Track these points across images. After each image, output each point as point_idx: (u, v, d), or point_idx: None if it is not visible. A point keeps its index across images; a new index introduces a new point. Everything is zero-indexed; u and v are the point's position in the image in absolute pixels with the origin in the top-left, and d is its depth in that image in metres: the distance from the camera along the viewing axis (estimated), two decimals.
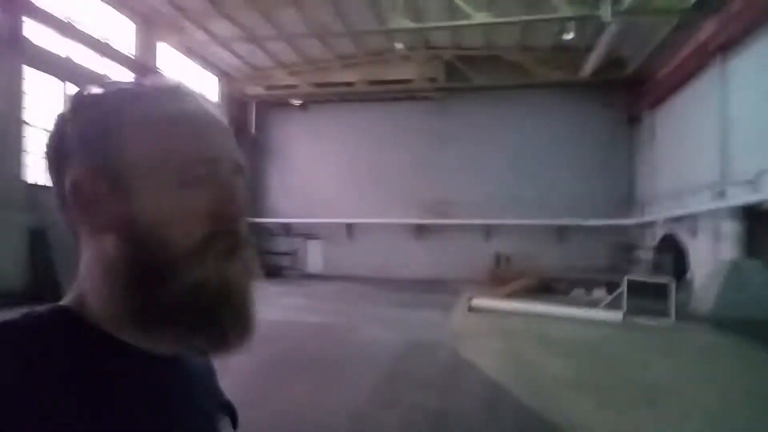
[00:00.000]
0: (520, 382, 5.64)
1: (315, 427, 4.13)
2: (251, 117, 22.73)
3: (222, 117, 0.59)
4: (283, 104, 23.16)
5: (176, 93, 0.56)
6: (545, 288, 16.25)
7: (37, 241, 12.07)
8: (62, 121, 0.56)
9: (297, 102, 22.98)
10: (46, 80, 13.07)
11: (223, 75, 21.73)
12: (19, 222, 11.83)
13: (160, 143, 0.52)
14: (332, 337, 8.28)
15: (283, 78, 21.84)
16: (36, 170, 12.55)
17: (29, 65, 12.45)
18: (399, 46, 18.07)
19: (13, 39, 11.90)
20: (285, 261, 22.88)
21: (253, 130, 22.83)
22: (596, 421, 4.50)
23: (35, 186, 12.28)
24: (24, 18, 12.25)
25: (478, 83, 20.60)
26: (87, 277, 0.54)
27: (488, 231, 21.03)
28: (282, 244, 23.19)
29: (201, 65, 20.30)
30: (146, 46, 16.75)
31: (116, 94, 0.55)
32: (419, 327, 9.18)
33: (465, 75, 20.61)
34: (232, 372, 5.44)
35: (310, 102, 23.11)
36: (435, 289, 16.83)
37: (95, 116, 0.54)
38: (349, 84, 21.56)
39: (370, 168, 22.54)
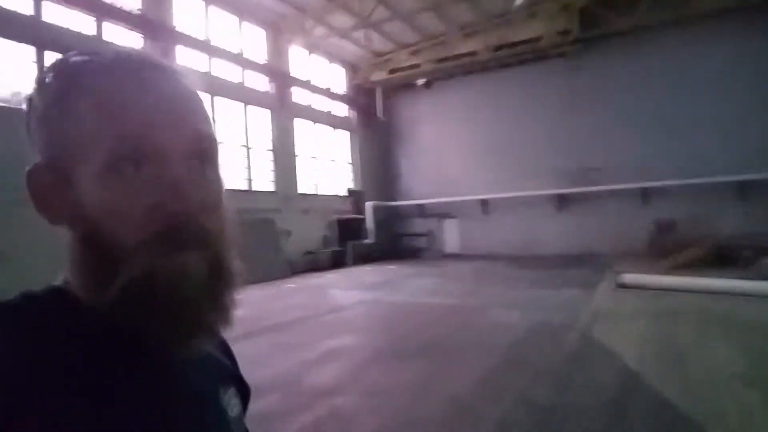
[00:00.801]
0: (667, 374, 4.70)
1: (407, 418, 3.91)
2: (378, 103, 23.12)
3: (195, 93, 0.53)
4: (408, 86, 23.13)
5: (134, 67, 0.51)
6: (721, 258, 13.61)
7: None
8: (29, 103, 0.53)
9: (421, 81, 22.72)
10: None
11: (349, 66, 22.44)
12: None
13: (91, 124, 0.48)
14: (454, 320, 7.97)
15: (405, 59, 21.74)
16: None
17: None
18: (518, 1, 16.54)
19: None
20: (421, 242, 23.04)
21: (381, 116, 23.21)
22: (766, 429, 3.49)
23: None
24: (174, 45, 14.07)
25: (622, 26, 17.91)
26: (68, 259, 0.53)
27: (645, 195, 18.38)
28: (417, 225, 23.37)
29: (328, 60, 21.19)
30: (277, 51, 18.00)
31: (70, 70, 0.51)
32: (553, 308, 8.34)
33: (605, 19, 18.09)
34: (344, 357, 5.54)
35: (434, 79, 22.67)
36: (582, 264, 15.33)
37: (48, 99, 0.51)
38: (472, 54, 20.54)
39: (502, 139, 21.37)
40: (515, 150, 21.04)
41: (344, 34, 18.17)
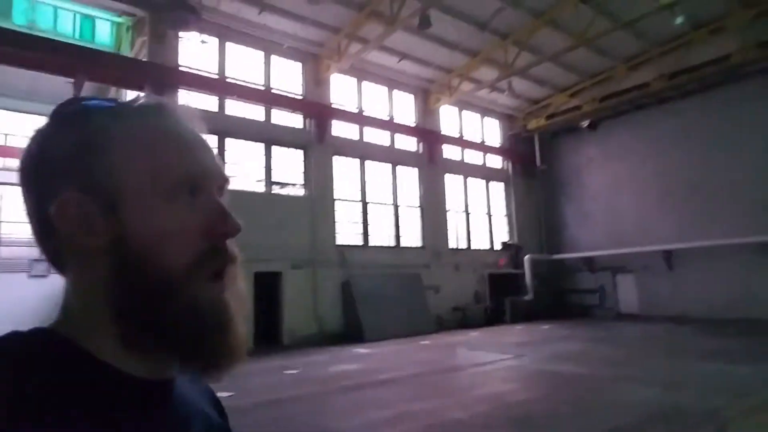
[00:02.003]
0: None
1: None
2: (536, 151, 22.07)
3: (204, 134, 0.58)
4: (570, 130, 21.66)
5: (159, 110, 0.56)
6: None
7: (346, 291, 14.90)
8: (43, 138, 0.54)
9: (584, 123, 21.02)
10: (347, 161, 16.46)
11: (504, 117, 22.16)
12: (334, 276, 14.95)
13: (149, 160, 0.52)
14: (566, 393, 6.82)
15: (563, 102, 20.58)
16: (342, 234, 15.75)
17: (336, 153, 16.04)
18: (679, 20, 14.35)
19: (324, 138, 15.65)
20: (591, 300, 20.43)
21: (539, 163, 22.04)
22: None
23: (342, 246, 15.36)
24: (332, 121, 16.02)
25: None
26: (74, 301, 0.53)
27: None
28: (585, 281, 20.89)
29: (481, 114, 21.33)
30: (425, 113, 18.92)
31: (101, 111, 0.54)
32: (709, 389, 6.50)
33: None
34: (409, 421, 5.24)
35: (599, 119, 20.75)
36: None
37: (81, 134, 0.52)
38: (642, 86, 18.32)
39: (687, 179, 18.13)
40: (708, 189, 17.55)
41: (491, 85, 18.12)
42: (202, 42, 13.34)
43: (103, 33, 14.21)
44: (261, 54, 14.84)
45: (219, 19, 13.50)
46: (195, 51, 13.65)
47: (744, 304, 16.12)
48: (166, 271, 0.50)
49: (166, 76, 12.70)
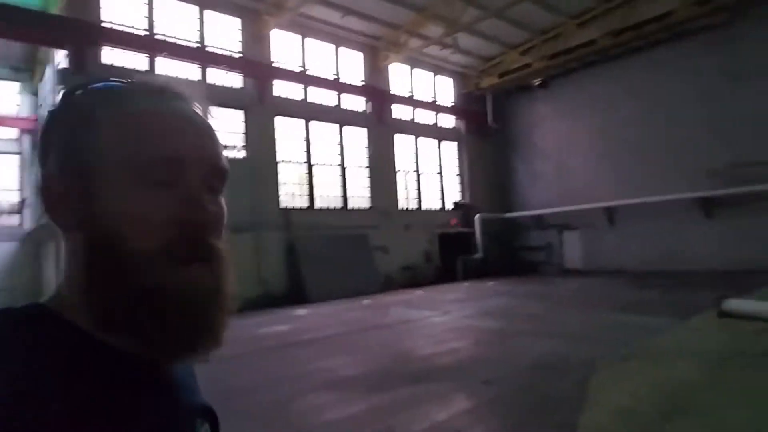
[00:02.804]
0: None
1: None
2: (489, 109, 22.07)
3: (207, 120, 0.58)
4: (522, 88, 21.66)
5: (156, 92, 0.56)
6: None
7: (290, 254, 14.95)
8: (48, 118, 0.57)
9: (536, 82, 21.03)
10: (291, 122, 16.13)
11: (457, 75, 21.93)
12: (279, 239, 14.94)
13: (125, 143, 0.52)
14: (468, 346, 7.13)
15: (515, 60, 20.44)
16: (286, 196, 15.64)
17: (278, 114, 15.68)
18: None
19: (265, 98, 15.23)
20: (540, 256, 21.11)
21: (492, 123, 22.10)
22: None
23: (286, 209, 15.30)
24: (273, 81, 15.55)
25: None
26: (67, 274, 0.54)
27: None
28: (535, 238, 21.49)
29: (433, 72, 21.04)
30: (375, 71, 18.54)
31: (95, 93, 0.56)
32: (606, 341, 6.87)
33: None
34: (317, 377, 5.35)
35: (550, 77, 20.78)
36: (725, 284, 12.30)
37: (70, 115, 0.55)
38: (590, 44, 18.33)
39: (633, 137, 18.53)
40: (649, 148, 18.01)
41: (439, 42, 17.79)
42: None
43: None
44: (195, 9, 14.14)
45: None
46: (122, 5, 12.88)
47: (675, 257, 16.94)
48: (129, 254, 0.50)
49: (87, 34, 12.00)
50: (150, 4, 13.33)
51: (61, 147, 0.54)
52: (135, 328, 0.50)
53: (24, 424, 0.42)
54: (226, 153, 0.59)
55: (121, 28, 12.82)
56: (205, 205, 0.53)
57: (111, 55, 12.61)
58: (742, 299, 7.83)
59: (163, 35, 13.51)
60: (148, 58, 13.18)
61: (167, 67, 13.51)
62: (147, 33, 13.25)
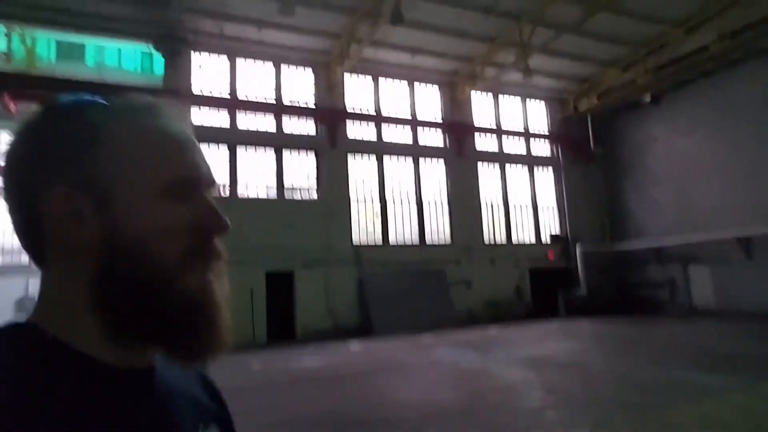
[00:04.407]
0: None
1: None
2: (588, 133, 20.12)
3: (191, 134, 0.59)
4: (629, 107, 19.40)
5: (151, 110, 0.57)
6: None
7: (360, 289, 15.18)
8: (34, 132, 0.54)
9: (646, 98, 18.66)
10: (364, 162, 16.68)
11: (551, 101, 20.57)
12: (349, 275, 15.31)
13: (143, 159, 0.53)
14: (454, 398, 6.40)
15: (615, 77, 18.50)
16: (360, 233, 16.03)
17: (351, 153, 16.39)
18: None
19: (335, 140, 16.10)
20: (662, 294, 18.07)
21: (593, 147, 20.06)
22: None
23: (358, 246, 15.67)
24: (345, 123, 16.43)
25: None
26: (55, 293, 0.53)
27: None
28: (654, 272, 18.51)
29: (522, 99, 20.10)
30: (454, 104, 18.36)
31: (94, 107, 0.55)
32: (631, 406, 5.65)
33: None
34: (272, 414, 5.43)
35: (661, 92, 18.29)
36: None
37: (73, 129, 0.53)
38: (702, 50, 15.81)
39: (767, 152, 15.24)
40: None
41: (514, 68, 16.93)
42: (199, 66, 14.60)
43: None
44: (270, 66, 15.75)
45: (225, 41, 14.67)
46: (206, 71, 14.99)
47: None
48: (156, 266, 0.51)
49: (182, 100, 14.13)
50: (232, 66, 15.24)
51: (68, 163, 0.52)
52: (159, 336, 0.52)
53: None
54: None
55: (208, 94, 14.87)
56: (220, 214, 0.56)
57: (199, 115, 14.61)
58: None
59: (245, 94, 15.29)
60: (228, 115, 15.00)
61: (247, 121, 15.19)
62: (229, 94, 15.12)
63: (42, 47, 15.09)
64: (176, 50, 13.23)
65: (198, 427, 0.59)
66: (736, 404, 5.27)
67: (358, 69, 16.46)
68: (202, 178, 0.56)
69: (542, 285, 18.18)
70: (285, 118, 15.74)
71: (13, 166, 0.53)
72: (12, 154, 0.53)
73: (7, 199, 0.53)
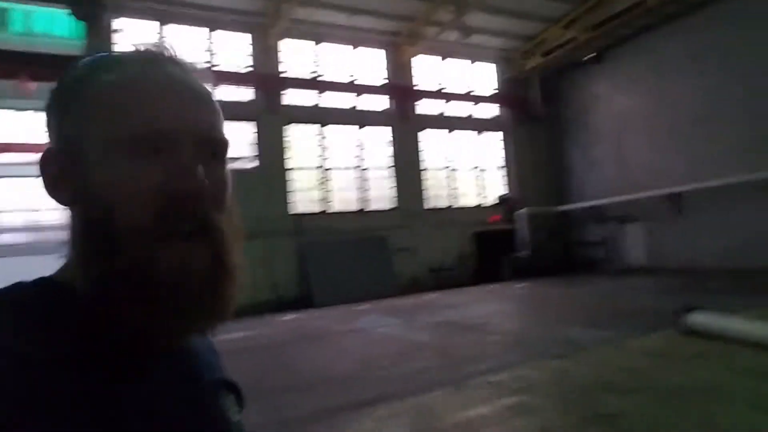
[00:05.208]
0: None
1: None
2: (537, 93, 20.08)
3: (206, 87, 0.56)
4: (573, 66, 19.38)
5: (148, 60, 0.54)
6: None
7: (301, 259, 15.14)
8: (48, 99, 0.56)
9: (587, 56, 18.66)
10: (302, 128, 16.33)
11: (501, 61, 20.34)
12: (290, 245, 15.23)
13: (109, 113, 0.51)
14: (379, 362, 6.52)
15: (557, 35, 18.35)
16: (300, 203, 15.86)
17: (289, 122, 16.00)
18: None
19: (275, 107, 15.67)
20: (599, 253, 18.65)
21: (540, 107, 20.07)
22: None
23: (296, 215, 15.53)
24: (281, 89, 15.94)
25: None
26: (69, 247, 0.54)
27: None
28: (593, 232, 19.04)
29: (471, 61, 19.80)
30: (398, 68, 17.97)
31: (83, 65, 0.55)
32: (505, 360, 5.83)
33: None
34: None
35: (602, 50, 18.28)
36: None
37: (60, 89, 0.55)
38: (638, 5, 15.72)
39: (697, 110, 15.57)
40: (725, 120, 14.90)
41: (452, 26, 16.50)
42: (122, 31, 13.82)
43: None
44: (204, 31, 15.04)
45: (154, 5, 13.84)
46: (132, 37, 14.20)
47: (761, 250, 13.75)
48: (119, 226, 0.49)
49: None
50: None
51: (54, 126, 0.55)
52: (125, 302, 0.49)
53: (21, 394, 0.41)
54: (225, 124, 0.57)
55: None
56: (195, 174, 0.51)
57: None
58: (711, 312, 6.04)
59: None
60: None
61: None
62: None
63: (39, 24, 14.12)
64: (94, 15, 12.41)
65: (220, 393, 0.60)
66: (587, 360, 5.50)
67: (296, 33, 15.85)
68: (181, 132, 0.51)
69: (489, 248, 18.46)
70: (221, 86, 15.13)
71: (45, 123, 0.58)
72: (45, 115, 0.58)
73: None
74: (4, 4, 13.91)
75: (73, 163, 0.52)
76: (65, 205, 0.54)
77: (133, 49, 0.55)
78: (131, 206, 0.49)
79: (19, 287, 0.50)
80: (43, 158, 0.54)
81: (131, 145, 0.50)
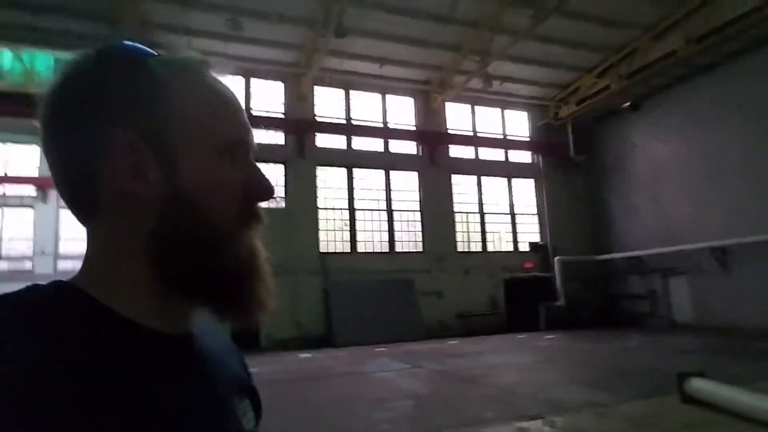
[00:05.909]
0: None
1: None
2: (569, 141, 19.82)
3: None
4: (610, 114, 19.09)
5: (204, 68, 0.57)
6: None
7: (326, 298, 15.36)
8: (92, 77, 0.52)
9: (625, 104, 18.33)
10: (332, 171, 16.91)
11: (533, 108, 20.39)
12: (316, 284, 15.50)
13: (208, 117, 0.54)
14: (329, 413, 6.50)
15: (591, 83, 18.24)
16: (327, 242, 16.24)
17: (319, 164, 16.65)
18: None
19: (304, 151, 16.40)
20: (643, 306, 17.59)
21: (574, 154, 19.74)
22: None
23: (322, 255, 15.87)
24: (314, 132, 16.71)
25: None
26: (103, 251, 0.52)
27: None
28: (636, 284, 18.06)
29: (501, 108, 19.98)
30: (429, 114, 18.41)
31: (156, 60, 0.54)
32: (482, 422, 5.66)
33: None
34: None
35: (640, 98, 17.92)
36: None
37: (139, 79, 0.52)
38: (670, 55, 15.43)
39: (742, 160, 14.80)
40: (764, 170, 14.08)
41: (479, 75, 16.74)
42: None
43: None
44: (240, 79, 16.17)
45: None
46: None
47: None
48: (217, 222, 0.52)
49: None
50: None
51: (131, 113, 0.51)
52: (214, 293, 0.53)
53: (42, 396, 0.40)
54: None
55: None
56: (269, 179, 0.57)
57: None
58: (711, 380, 5.60)
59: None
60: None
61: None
62: None
63: (40, 65, 15.91)
64: None
65: (234, 400, 0.59)
66: (562, 424, 5.21)
67: (328, 81, 16.72)
68: (250, 141, 0.57)
69: (520, 296, 17.93)
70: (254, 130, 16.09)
71: (65, 109, 0.51)
72: (64, 96, 0.51)
73: (55, 140, 0.52)
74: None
75: (161, 158, 0.51)
76: (138, 201, 0.50)
77: (179, 55, 0.56)
78: (226, 202, 0.53)
79: (36, 289, 0.48)
80: (117, 146, 0.49)
81: (224, 149, 0.53)
